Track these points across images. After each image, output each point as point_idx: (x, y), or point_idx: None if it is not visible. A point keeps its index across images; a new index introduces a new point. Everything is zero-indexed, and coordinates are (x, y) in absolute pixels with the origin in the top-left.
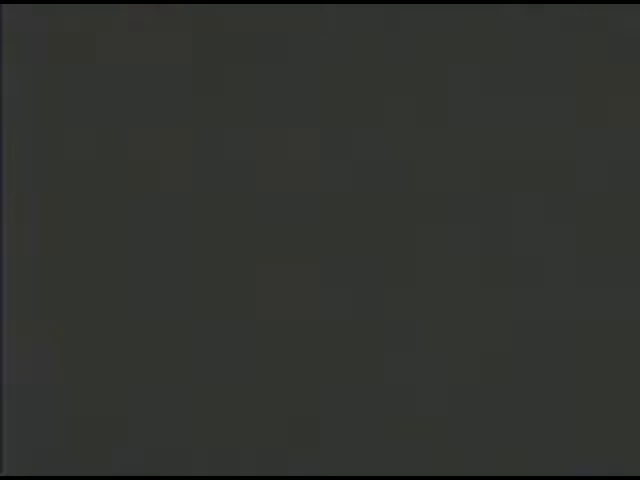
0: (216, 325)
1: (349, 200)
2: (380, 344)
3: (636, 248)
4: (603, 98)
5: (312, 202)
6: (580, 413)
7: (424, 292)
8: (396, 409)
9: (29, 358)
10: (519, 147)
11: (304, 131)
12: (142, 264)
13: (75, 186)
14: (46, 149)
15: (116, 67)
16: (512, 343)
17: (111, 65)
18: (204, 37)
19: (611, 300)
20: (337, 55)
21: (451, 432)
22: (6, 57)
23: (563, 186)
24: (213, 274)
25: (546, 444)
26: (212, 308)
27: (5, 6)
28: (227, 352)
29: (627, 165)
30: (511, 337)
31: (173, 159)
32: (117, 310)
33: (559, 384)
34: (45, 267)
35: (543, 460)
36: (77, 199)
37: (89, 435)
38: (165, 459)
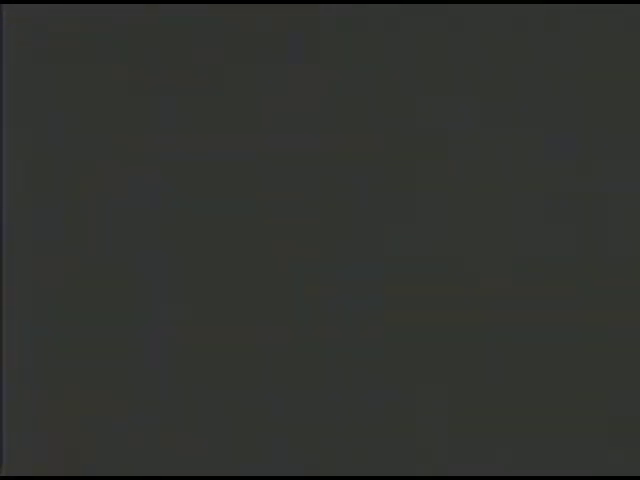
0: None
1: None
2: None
3: None
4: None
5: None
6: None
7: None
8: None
9: (29, 358)
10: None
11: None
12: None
13: (74, 185)
14: (46, 147)
15: (116, 67)
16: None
17: (111, 65)
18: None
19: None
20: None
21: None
22: (6, 57)
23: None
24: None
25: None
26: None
27: (5, 6)
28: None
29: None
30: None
31: (170, 160)
32: (116, 309)
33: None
34: (43, 267)
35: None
36: (76, 198)
37: (89, 435)
38: (165, 459)
